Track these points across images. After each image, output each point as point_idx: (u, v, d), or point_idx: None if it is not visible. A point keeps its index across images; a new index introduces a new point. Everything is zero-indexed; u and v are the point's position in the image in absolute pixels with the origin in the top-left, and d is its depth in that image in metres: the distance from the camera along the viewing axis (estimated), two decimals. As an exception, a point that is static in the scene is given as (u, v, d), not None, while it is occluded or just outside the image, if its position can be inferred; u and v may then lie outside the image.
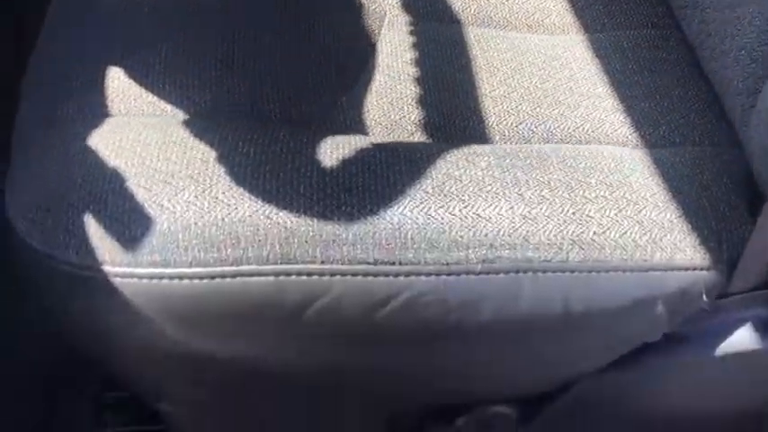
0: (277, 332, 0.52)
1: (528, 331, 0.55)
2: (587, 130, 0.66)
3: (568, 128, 0.66)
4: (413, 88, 0.66)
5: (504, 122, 0.66)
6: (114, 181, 0.51)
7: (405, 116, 0.64)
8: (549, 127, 0.66)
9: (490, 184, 0.55)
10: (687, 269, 0.56)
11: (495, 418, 0.71)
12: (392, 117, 0.64)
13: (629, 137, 0.66)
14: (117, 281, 0.50)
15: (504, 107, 0.67)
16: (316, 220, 0.50)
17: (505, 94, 0.67)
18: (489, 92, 0.67)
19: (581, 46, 0.76)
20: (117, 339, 0.53)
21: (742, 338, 0.61)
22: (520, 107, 0.67)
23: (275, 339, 0.53)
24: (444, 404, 0.70)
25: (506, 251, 0.53)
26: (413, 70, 0.67)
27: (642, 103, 0.69)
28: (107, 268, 0.50)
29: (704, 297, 0.57)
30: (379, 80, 0.66)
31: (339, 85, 0.63)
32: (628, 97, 0.69)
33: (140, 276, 0.49)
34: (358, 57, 0.67)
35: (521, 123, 0.66)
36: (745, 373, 0.63)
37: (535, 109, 0.67)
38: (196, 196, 0.50)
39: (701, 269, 0.57)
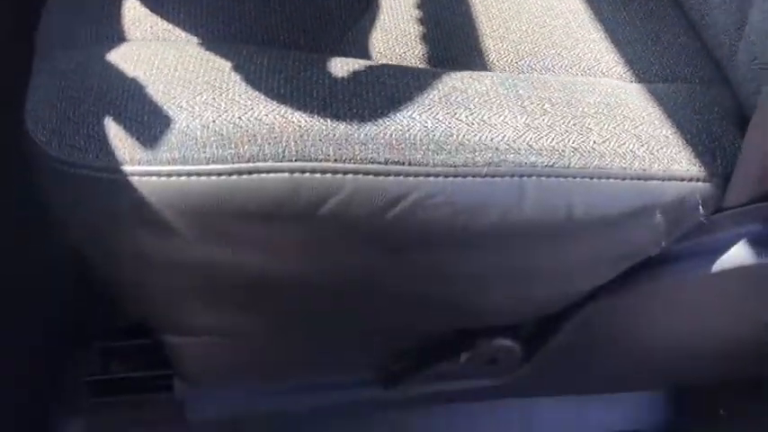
0: (292, 232, 0.54)
1: (533, 237, 0.57)
2: (583, 68, 0.69)
3: (565, 65, 0.69)
4: (416, 27, 0.68)
5: (505, 59, 0.68)
6: (133, 88, 0.53)
7: (409, 50, 0.67)
8: (548, 64, 0.69)
9: (494, 97, 0.58)
10: (683, 180, 0.59)
11: (499, 352, 0.72)
12: (397, 51, 0.66)
13: (624, 74, 0.69)
14: (136, 180, 0.51)
15: (504, 46, 0.69)
16: (329, 120, 0.52)
17: (504, 35, 0.70)
18: (489, 32, 0.70)
19: None
20: (135, 245, 0.54)
21: (738, 254, 0.63)
22: (519, 47, 0.69)
23: (290, 241, 0.54)
24: (449, 336, 0.71)
25: (511, 155, 0.55)
26: (415, 12, 0.70)
27: (635, 46, 0.72)
28: (126, 168, 0.51)
29: (701, 209, 0.59)
30: (384, 19, 0.69)
31: (346, 21, 0.66)
32: (621, 41, 0.72)
33: (159, 174, 0.51)
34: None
35: (520, 60, 0.68)
36: (742, 289, 0.65)
37: (533, 48, 0.70)
38: (213, 98, 0.53)
39: (697, 180, 0.59)
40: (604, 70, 0.69)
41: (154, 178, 0.52)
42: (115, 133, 0.52)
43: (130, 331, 0.80)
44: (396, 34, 0.68)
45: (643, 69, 0.69)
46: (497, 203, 0.55)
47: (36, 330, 0.85)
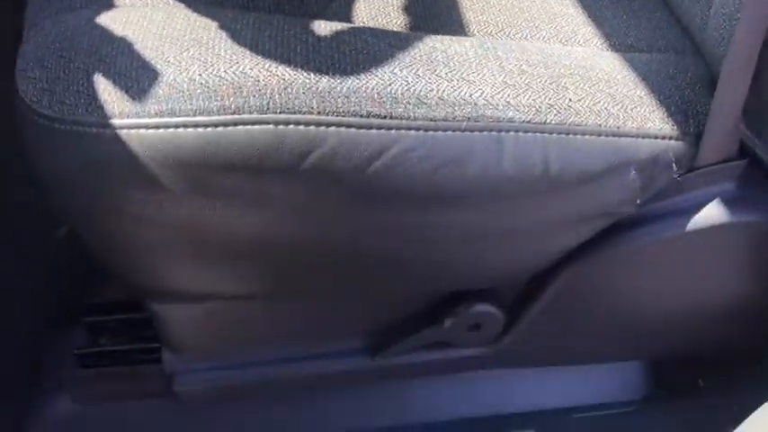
0: (277, 186, 0.55)
1: (511, 193, 0.59)
2: (561, 39, 0.71)
3: (543, 36, 0.71)
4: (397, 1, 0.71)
5: (484, 30, 0.70)
6: (122, 45, 0.55)
7: (391, 21, 0.69)
8: (526, 35, 0.71)
9: (473, 57, 0.60)
10: (657, 137, 0.61)
11: (481, 317, 0.74)
12: (379, 21, 0.68)
13: (601, 44, 0.71)
14: (124, 132, 0.53)
15: (484, 18, 0.71)
16: (312, 74, 0.54)
17: (484, 8, 0.72)
18: (470, 5, 0.72)
19: None
20: (124, 200, 0.56)
21: (712, 213, 0.65)
22: (498, 19, 0.71)
23: (275, 196, 0.56)
24: (432, 301, 0.73)
25: (489, 110, 0.57)
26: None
27: (611, 20, 0.74)
28: (115, 121, 0.53)
29: (674, 167, 0.61)
30: (367, -9, 0.71)
31: None
32: (598, 15, 0.74)
33: (147, 126, 0.52)
34: None
35: (500, 31, 0.70)
36: (716, 249, 0.66)
37: (512, 20, 0.72)
38: (200, 53, 0.54)
39: (670, 138, 0.61)
40: (581, 41, 0.71)
41: (142, 131, 0.53)
42: (104, 88, 0.54)
43: (120, 306, 0.81)
44: (378, 5, 0.70)
45: (619, 41, 0.72)
46: (477, 157, 0.57)
47: (25, 307, 0.86)
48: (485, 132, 0.57)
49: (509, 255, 0.65)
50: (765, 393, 0.59)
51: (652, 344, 0.77)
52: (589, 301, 0.72)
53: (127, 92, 0.53)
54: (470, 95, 0.57)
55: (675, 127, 0.61)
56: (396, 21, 0.69)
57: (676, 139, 0.61)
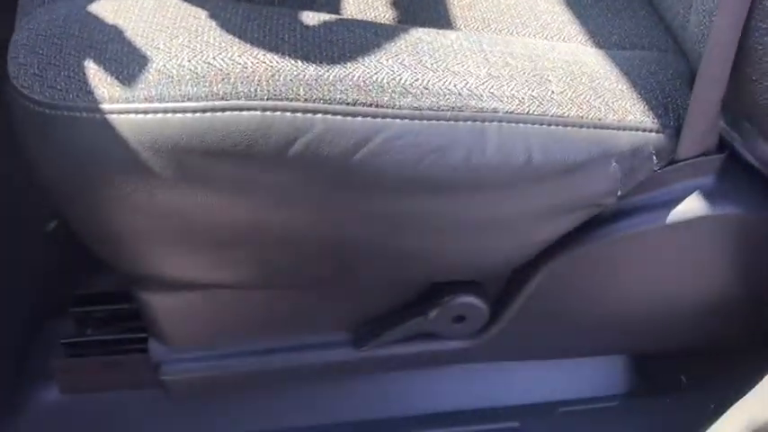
0: (264, 173, 0.56)
1: (494, 183, 0.60)
2: (546, 35, 0.72)
3: (529, 32, 0.72)
4: (386, -5, 0.72)
5: (471, 26, 0.71)
6: (113, 32, 0.56)
7: (379, 15, 0.70)
8: (512, 31, 0.72)
9: (459, 49, 0.61)
10: (637, 130, 0.62)
11: (466, 309, 0.74)
12: (367, 14, 0.69)
13: (585, 41, 0.72)
14: (114, 117, 0.53)
15: (471, 14, 0.73)
16: (300, 62, 0.55)
17: (472, 3, 0.74)
18: (456, 2, 0.73)
19: None
20: (113, 185, 0.56)
21: (691, 206, 0.66)
22: (485, 15, 0.73)
23: (262, 183, 0.56)
24: (417, 292, 0.73)
25: (473, 101, 0.58)
26: None
27: (596, 18, 0.76)
28: (105, 106, 0.53)
29: (654, 159, 0.62)
30: (355, -14, 0.72)
31: None
32: (582, 14, 0.76)
33: (136, 111, 0.53)
34: None
35: (486, 27, 0.72)
36: (695, 242, 0.67)
37: (499, 17, 0.73)
38: (189, 41, 0.55)
39: (651, 131, 0.62)
40: (566, 38, 0.73)
41: (131, 116, 0.54)
42: (95, 74, 0.54)
43: (107, 297, 0.81)
44: (367, 1, 0.71)
45: (603, 38, 0.73)
46: (460, 146, 0.58)
47: (12, 299, 0.86)
48: (468, 122, 0.58)
49: (492, 245, 0.66)
50: (746, 389, 0.60)
51: (635, 338, 0.78)
52: (572, 293, 0.73)
53: (117, 77, 0.54)
54: (455, 86, 0.58)
55: (656, 120, 0.62)
56: (384, 15, 0.70)
57: (656, 132, 0.62)
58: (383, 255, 0.65)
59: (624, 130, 0.61)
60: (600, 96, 0.62)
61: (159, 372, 0.76)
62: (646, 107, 0.63)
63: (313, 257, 0.65)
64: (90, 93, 0.54)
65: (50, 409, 0.81)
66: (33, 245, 0.88)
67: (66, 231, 0.71)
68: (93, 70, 0.54)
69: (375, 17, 0.70)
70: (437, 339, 0.78)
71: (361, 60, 0.57)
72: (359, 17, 0.69)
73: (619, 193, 0.63)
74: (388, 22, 0.69)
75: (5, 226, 0.91)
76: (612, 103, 0.62)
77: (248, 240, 0.62)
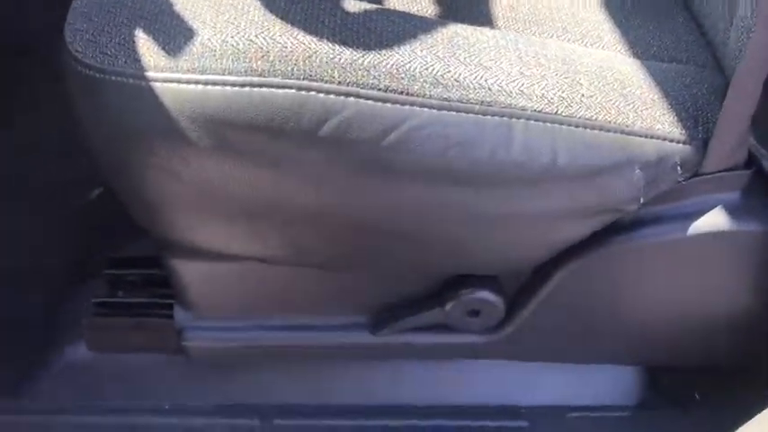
0: (295, 150, 0.58)
1: (518, 179, 0.61)
2: (585, 43, 0.73)
3: (568, 39, 0.73)
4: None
5: (511, 26, 0.73)
6: (163, 4, 0.59)
7: (422, 9, 0.72)
8: (551, 35, 0.73)
9: (493, 47, 0.63)
10: (664, 139, 0.62)
11: (482, 304, 0.76)
12: (410, 8, 0.71)
13: (623, 51, 0.73)
14: (158, 85, 0.56)
15: (512, 15, 0.74)
16: (337, 46, 0.57)
17: (515, 6, 0.75)
18: (500, 2, 0.75)
19: None
20: (152, 151, 0.59)
21: (713, 220, 0.66)
22: (527, 18, 0.74)
23: (293, 161, 0.59)
24: (435, 283, 0.75)
25: (502, 97, 0.59)
26: None
27: (637, 30, 0.76)
28: (150, 74, 0.56)
29: (679, 170, 0.63)
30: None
31: None
32: (624, 25, 0.76)
33: (179, 81, 0.56)
34: None
35: (526, 29, 0.73)
36: (715, 256, 0.68)
37: (540, 21, 0.74)
38: (234, 17, 0.58)
39: (678, 142, 0.63)
40: (605, 46, 0.73)
41: (174, 85, 0.57)
42: (143, 43, 0.57)
43: (139, 262, 0.84)
44: None
45: (642, 49, 0.74)
46: (487, 141, 0.59)
47: (51, 258, 0.90)
48: (496, 117, 0.59)
49: (512, 241, 0.67)
50: (760, 406, 0.60)
51: (649, 350, 0.78)
52: (588, 298, 0.73)
53: (163, 48, 0.57)
54: (485, 80, 0.59)
55: (684, 131, 0.63)
56: (426, 9, 0.72)
57: (684, 143, 0.63)
58: (404, 241, 0.67)
59: (651, 138, 0.62)
60: (630, 103, 0.63)
61: (182, 337, 0.79)
62: (675, 118, 0.63)
63: (336, 238, 0.67)
64: (137, 60, 0.57)
65: (77, 366, 0.85)
66: (77, 208, 0.92)
67: (108, 198, 0.74)
68: (141, 39, 0.57)
69: (417, 11, 0.72)
70: (452, 332, 0.80)
71: (396, 49, 0.59)
72: (402, 9, 0.71)
73: (641, 200, 0.64)
74: (428, 16, 0.71)
75: (54, 188, 0.95)
76: (642, 111, 0.63)
77: (276, 215, 0.64)
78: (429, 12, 0.71)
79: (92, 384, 0.84)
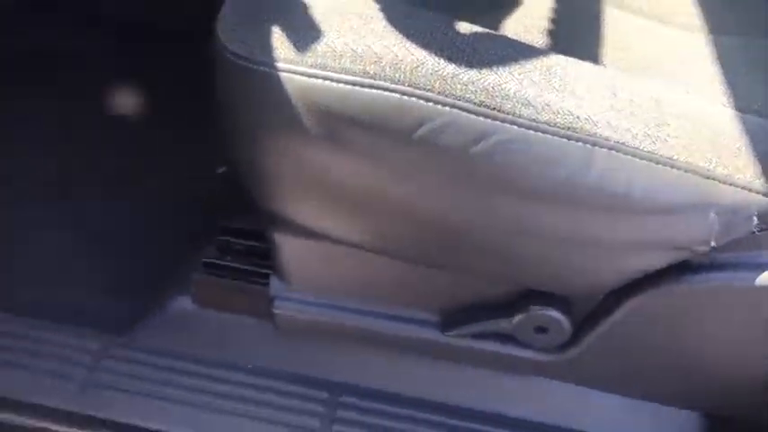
0: (393, 149, 0.65)
1: (592, 205, 0.65)
2: (688, 89, 0.76)
3: (673, 86, 0.76)
4: (547, 23, 0.79)
5: (617, 65, 0.76)
6: (300, 5, 0.68)
7: (534, 40, 0.77)
8: (656, 80, 0.76)
9: (589, 78, 0.67)
10: (744, 188, 0.64)
11: (550, 322, 0.79)
12: (523, 37, 0.77)
13: (724, 102, 0.75)
14: (284, 75, 0.65)
15: (621, 54, 0.78)
16: (442, 60, 0.64)
17: (624, 46, 0.79)
18: (611, 41, 0.79)
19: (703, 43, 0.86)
20: (273, 134, 0.68)
21: (786, 275, 0.67)
22: (633, 57, 0.77)
23: (390, 158, 0.66)
24: (508, 294, 0.79)
25: (588, 125, 0.64)
26: (551, 10, 0.80)
27: (748, 85, 0.77)
28: (279, 64, 0.65)
29: (755, 220, 0.65)
30: (521, 10, 0.79)
31: (483, 4, 0.78)
32: (732, 78, 0.78)
33: (303, 74, 0.64)
34: None
35: (630, 68, 0.76)
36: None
37: (646, 63, 0.77)
38: (358, 25, 0.66)
39: (758, 193, 0.64)
40: (706, 95, 0.76)
41: (297, 76, 0.65)
42: (278, 36, 0.66)
43: (247, 234, 0.94)
44: (526, 24, 0.78)
45: (745, 104, 0.75)
46: (567, 163, 0.64)
47: (175, 221, 1.03)
48: (579, 143, 0.63)
49: (582, 264, 0.71)
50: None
51: (707, 395, 0.79)
52: (652, 333, 0.75)
53: (293, 43, 0.65)
54: (575, 108, 0.64)
55: (765, 184, 0.64)
56: (538, 41, 0.77)
57: (763, 195, 0.64)
58: (482, 248, 0.72)
59: (730, 185, 0.64)
60: (715, 150, 0.65)
61: (272, 305, 0.88)
62: (759, 170, 0.65)
63: (422, 234, 0.73)
64: (269, 51, 0.66)
65: (182, 315, 0.95)
66: (202, 182, 1.04)
67: (227, 177, 0.85)
68: (277, 33, 0.66)
69: (530, 41, 0.77)
70: (517, 345, 0.84)
71: (495, 69, 0.64)
72: (513, 37, 0.77)
73: (713, 244, 0.66)
74: (534, 45, 0.76)
75: (187, 164, 1.08)
76: (726, 158, 0.65)
77: (371, 204, 0.71)
78: (540, 43, 0.77)
79: (191, 333, 0.94)
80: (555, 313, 0.79)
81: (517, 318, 0.80)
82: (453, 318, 0.84)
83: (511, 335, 0.82)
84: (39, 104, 1.19)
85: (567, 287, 0.76)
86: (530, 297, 0.79)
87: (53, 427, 0.87)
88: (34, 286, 0.98)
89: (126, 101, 1.23)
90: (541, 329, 0.80)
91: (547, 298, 0.78)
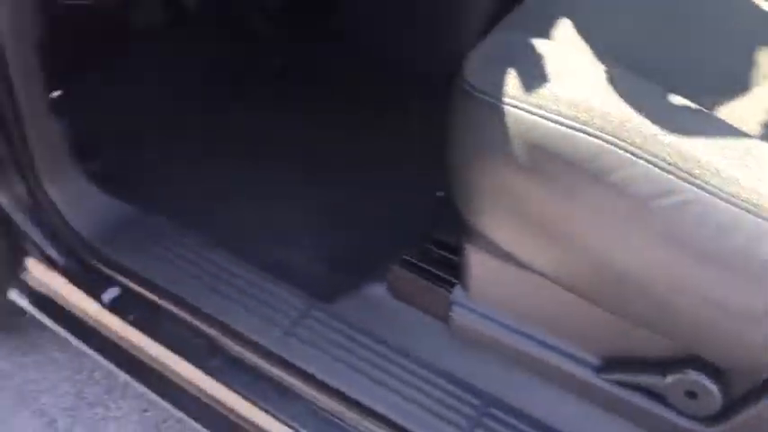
0: (584, 184, 0.75)
1: (763, 276, 0.69)
2: None
3: None
4: (763, 119, 0.84)
5: None
6: (532, 55, 0.81)
7: (750, 129, 0.83)
8: None
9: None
10: None
11: (702, 389, 0.83)
12: (735, 123, 0.83)
13: None
14: (508, 109, 0.78)
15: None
16: (647, 121, 0.74)
17: None
18: None
19: None
20: (490, 160, 0.80)
21: None
22: None
23: (583, 194, 0.76)
24: (666, 352, 0.84)
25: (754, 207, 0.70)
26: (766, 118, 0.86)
27: None
28: (505, 99, 0.78)
29: None
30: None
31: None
32: None
33: (525, 110, 0.77)
34: None
35: None
36: None
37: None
38: (580, 79, 0.78)
39: None
40: None
41: (518, 111, 0.77)
42: (511, 78, 0.80)
43: (444, 246, 1.08)
44: (743, 115, 0.84)
45: None
46: (740, 233, 0.69)
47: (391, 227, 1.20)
48: (759, 219, 0.69)
49: (743, 337, 0.74)
50: None
51: None
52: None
53: (522, 83, 0.78)
54: (761, 188, 0.70)
55: None
56: (750, 130, 0.82)
57: None
58: (646, 297, 0.79)
59: None
60: None
61: (450, 309, 1.00)
62: None
63: (597, 272, 0.81)
64: (500, 88, 0.79)
65: (377, 299, 1.10)
66: (418, 203, 1.20)
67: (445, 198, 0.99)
68: (511, 75, 0.79)
69: (739, 127, 0.83)
70: (666, 407, 0.87)
71: (693, 139, 0.72)
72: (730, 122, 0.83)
73: None
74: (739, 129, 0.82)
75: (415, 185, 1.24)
76: None
77: (555, 234, 0.81)
78: (752, 133, 0.82)
79: (380, 316, 1.08)
80: (708, 381, 0.82)
81: (671, 378, 0.84)
82: (611, 362, 0.90)
83: (662, 394, 0.86)
84: (293, 114, 1.44)
85: (726, 358, 0.79)
86: (688, 361, 0.83)
87: (253, 358, 1.06)
88: (275, 247, 1.20)
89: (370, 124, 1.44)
90: (692, 394, 0.83)
91: (704, 365, 0.82)
